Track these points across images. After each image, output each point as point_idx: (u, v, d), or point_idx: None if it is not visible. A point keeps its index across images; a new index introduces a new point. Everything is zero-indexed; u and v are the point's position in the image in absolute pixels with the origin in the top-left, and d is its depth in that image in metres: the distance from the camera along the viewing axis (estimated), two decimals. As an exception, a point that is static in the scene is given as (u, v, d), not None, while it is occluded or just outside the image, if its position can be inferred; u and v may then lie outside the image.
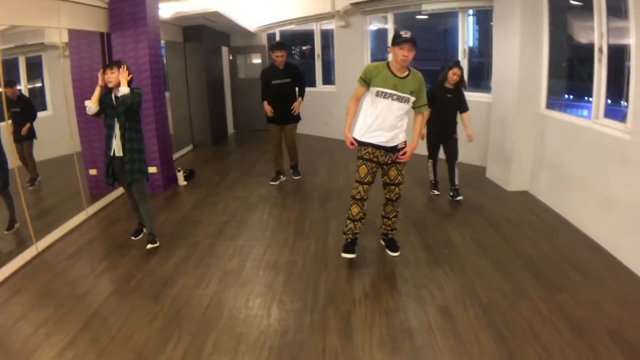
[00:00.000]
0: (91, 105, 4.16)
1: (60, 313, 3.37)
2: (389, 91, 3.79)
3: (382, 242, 4.43)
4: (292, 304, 3.47)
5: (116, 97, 4.20)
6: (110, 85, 4.17)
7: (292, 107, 6.31)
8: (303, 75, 6.52)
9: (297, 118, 6.51)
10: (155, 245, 4.49)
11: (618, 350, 2.81)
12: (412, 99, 3.84)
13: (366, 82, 3.86)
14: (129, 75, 4.21)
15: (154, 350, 2.94)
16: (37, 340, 3.04)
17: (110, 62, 4.26)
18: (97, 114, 4.22)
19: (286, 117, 6.38)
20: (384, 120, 3.85)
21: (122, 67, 4.20)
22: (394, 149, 3.94)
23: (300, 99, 6.41)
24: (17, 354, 2.91)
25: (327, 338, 3.03)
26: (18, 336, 3.09)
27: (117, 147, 4.28)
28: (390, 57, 3.90)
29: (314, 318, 3.26)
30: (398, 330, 3.10)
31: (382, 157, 3.95)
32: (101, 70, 4.22)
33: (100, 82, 4.19)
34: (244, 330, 3.15)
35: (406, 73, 3.83)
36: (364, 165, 3.97)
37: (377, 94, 3.82)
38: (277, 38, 10.92)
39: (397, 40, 3.69)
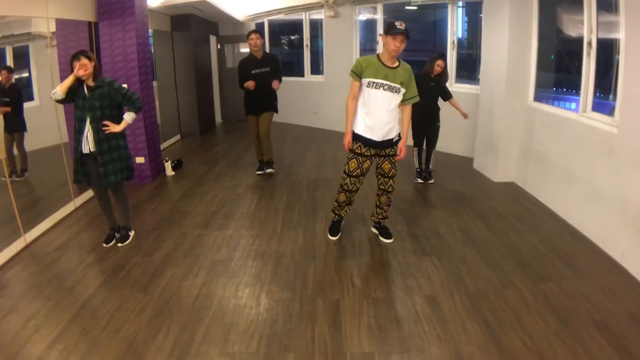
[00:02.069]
0: (58, 90, 3.81)
1: (49, 305, 3.36)
2: (380, 81, 3.84)
3: (375, 230, 4.50)
4: (280, 293, 3.49)
5: (89, 88, 3.92)
6: (81, 77, 3.83)
7: (270, 86, 6.13)
8: (280, 64, 6.39)
9: (274, 108, 6.39)
10: (127, 243, 4.39)
11: (603, 339, 2.86)
12: (403, 90, 3.90)
13: (358, 74, 3.91)
14: (93, 64, 3.89)
15: (144, 340, 2.95)
16: (28, 332, 3.03)
17: (77, 52, 3.88)
18: (61, 101, 3.92)
19: (263, 106, 6.29)
20: (380, 112, 3.90)
21: (92, 62, 3.88)
22: (389, 143, 4.00)
23: (277, 81, 6.23)
24: (7, 346, 2.90)
25: (315, 327, 3.06)
26: (8, 329, 3.08)
27: (90, 144, 3.98)
28: (380, 47, 3.93)
29: (303, 307, 3.29)
30: (386, 319, 3.13)
31: (374, 151, 4.02)
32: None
33: (76, 72, 3.80)
34: (233, 320, 3.17)
35: (396, 64, 3.89)
36: (354, 159, 4.05)
37: (369, 85, 3.87)
38: (266, 27, 10.87)
39: (392, 30, 3.74)
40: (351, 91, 4.00)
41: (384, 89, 3.85)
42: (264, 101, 6.27)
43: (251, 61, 6.18)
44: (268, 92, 6.20)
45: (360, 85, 3.94)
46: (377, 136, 3.93)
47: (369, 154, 4.02)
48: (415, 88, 4.01)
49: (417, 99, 4.07)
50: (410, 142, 6.33)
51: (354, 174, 4.08)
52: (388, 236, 4.35)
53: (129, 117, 4.05)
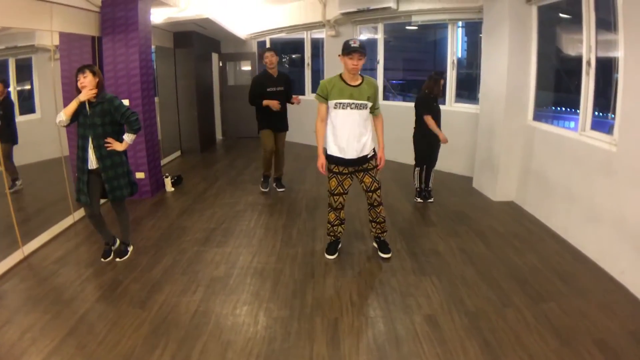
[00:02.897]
0: (63, 119, 3.83)
1: (46, 318, 3.34)
2: (347, 101, 3.93)
3: (375, 245, 4.51)
4: (279, 311, 3.47)
5: (90, 104, 3.91)
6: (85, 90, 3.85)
7: (285, 104, 6.35)
8: (292, 84, 6.53)
9: (287, 127, 6.54)
10: (125, 258, 4.38)
11: (603, 358, 2.84)
12: (370, 104, 4.00)
13: (324, 97, 3.99)
14: (97, 80, 3.92)
15: (141, 356, 2.92)
16: (23, 345, 3.01)
17: (83, 66, 3.92)
18: (67, 125, 3.94)
19: (280, 124, 6.40)
20: (350, 131, 3.97)
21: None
22: (364, 159, 4.06)
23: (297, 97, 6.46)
24: (3, 359, 2.88)
25: (314, 346, 3.03)
26: (4, 341, 3.06)
27: (92, 161, 4.00)
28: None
29: (301, 326, 3.27)
30: (385, 338, 3.11)
31: (351, 169, 4.09)
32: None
33: (82, 96, 3.84)
34: (231, 337, 3.14)
35: (359, 81, 3.98)
36: (333, 179, 4.14)
37: (336, 106, 3.96)
38: (268, 46, 10.94)
39: (347, 49, 3.83)
40: (319, 114, 4.07)
41: (352, 108, 3.94)
42: (282, 119, 6.40)
43: (267, 79, 6.24)
44: (283, 109, 6.33)
45: (327, 107, 4.02)
46: (350, 155, 4.00)
47: (346, 172, 4.09)
48: (378, 101, 4.12)
49: (379, 111, 4.17)
50: (402, 159, 6.33)
51: (335, 192, 4.16)
52: (386, 251, 4.36)
53: (128, 138, 4.07)
